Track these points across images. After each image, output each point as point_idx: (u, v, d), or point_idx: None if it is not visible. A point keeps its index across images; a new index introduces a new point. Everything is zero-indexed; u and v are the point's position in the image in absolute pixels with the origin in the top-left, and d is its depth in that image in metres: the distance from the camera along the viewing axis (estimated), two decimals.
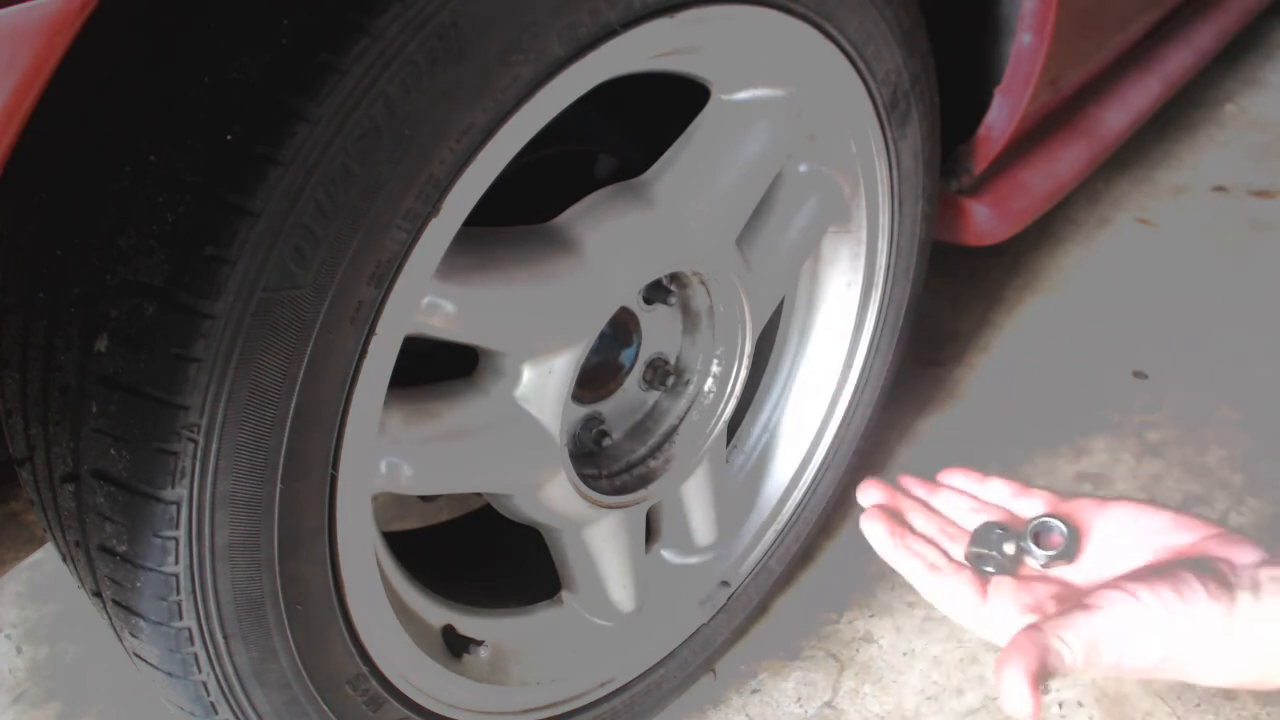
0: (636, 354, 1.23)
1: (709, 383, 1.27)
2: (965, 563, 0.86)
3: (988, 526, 0.86)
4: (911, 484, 0.94)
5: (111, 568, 0.86)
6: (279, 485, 0.86)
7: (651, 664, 1.37)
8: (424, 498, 1.33)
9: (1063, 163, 1.70)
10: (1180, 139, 2.48)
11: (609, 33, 0.92)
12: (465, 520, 1.44)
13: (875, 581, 1.58)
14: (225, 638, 0.89)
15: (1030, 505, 0.89)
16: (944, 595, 0.84)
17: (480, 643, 1.18)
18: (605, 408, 1.23)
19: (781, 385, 1.46)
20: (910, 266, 1.43)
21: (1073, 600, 0.76)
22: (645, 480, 1.24)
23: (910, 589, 1.46)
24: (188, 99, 0.79)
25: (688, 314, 1.25)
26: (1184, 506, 1.62)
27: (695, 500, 1.35)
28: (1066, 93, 1.61)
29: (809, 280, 1.41)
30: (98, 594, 0.91)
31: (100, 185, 0.81)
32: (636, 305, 1.19)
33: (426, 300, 0.95)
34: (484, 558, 1.39)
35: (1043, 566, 0.84)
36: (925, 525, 0.90)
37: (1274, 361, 1.87)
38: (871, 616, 1.54)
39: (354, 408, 0.89)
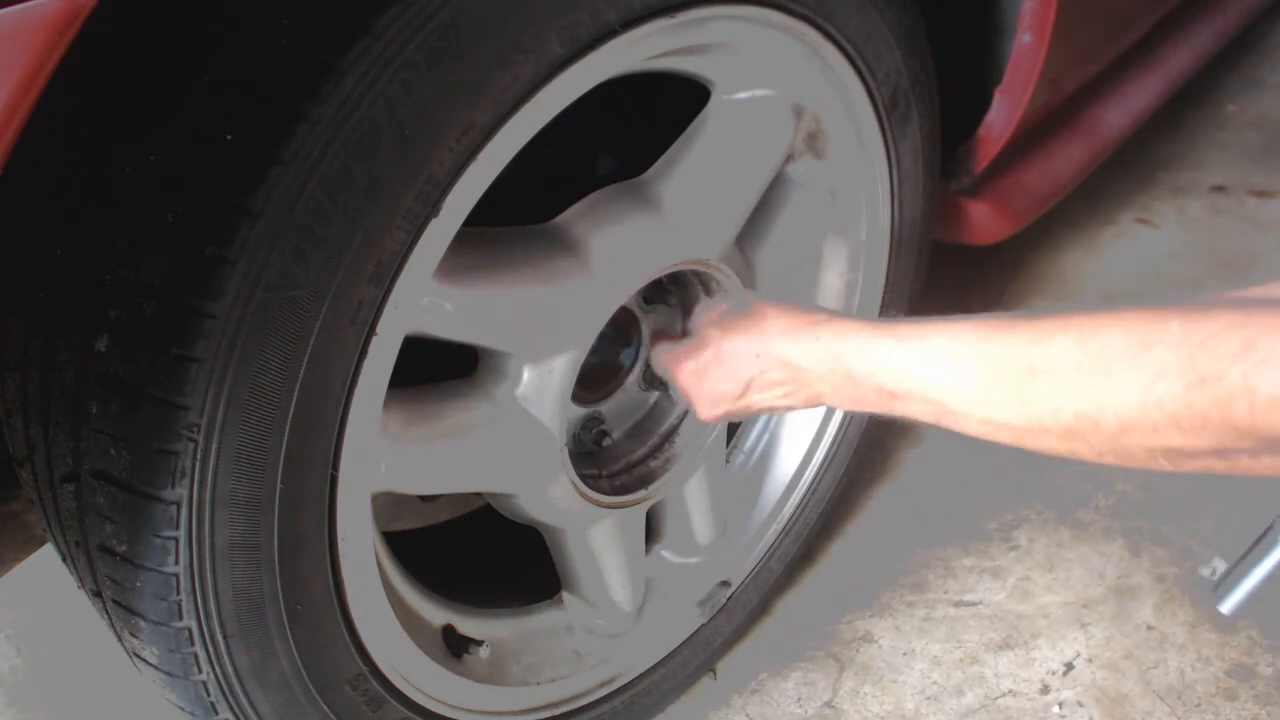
0: (636, 354, 1.23)
1: None
2: None
3: None
4: None
5: (111, 568, 0.86)
6: (279, 485, 0.86)
7: (651, 664, 1.37)
8: (424, 498, 1.33)
9: (1063, 163, 1.70)
10: (1180, 139, 2.48)
11: (609, 33, 0.92)
12: (465, 520, 1.44)
13: (875, 581, 1.58)
14: (225, 638, 0.89)
15: None
16: None
17: (480, 643, 1.18)
18: (605, 408, 1.23)
19: None
20: (910, 266, 1.43)
21: None
22: (645, 480, 1.24)
23: (910, 589, 1.46)
24: (188, 99, 0.79)
25: (688, 314, 1.25)
26: (1185, 508, 1.62)
27: (695, 500, 1.35)
28: (1066, 93, 1.61)
29: (809, 280, 1.41)
30: (98, 594, 0.91)
31: (100, 185, 0.81)
32: (636, 305, 1.19)
33: (426, 300, 0.95)
34: (484, 558, 1.39)
35: None
36: None
37: None
38: (871, 616, 1.54)
39: (354, 408, 0.89)
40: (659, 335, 1.19)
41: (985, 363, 0.81)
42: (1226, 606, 1.10)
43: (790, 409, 1.06)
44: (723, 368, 1.05)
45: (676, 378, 1.12)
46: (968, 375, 0.82)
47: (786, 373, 1.01)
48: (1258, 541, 1.09)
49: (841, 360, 0.94)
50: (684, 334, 1.19)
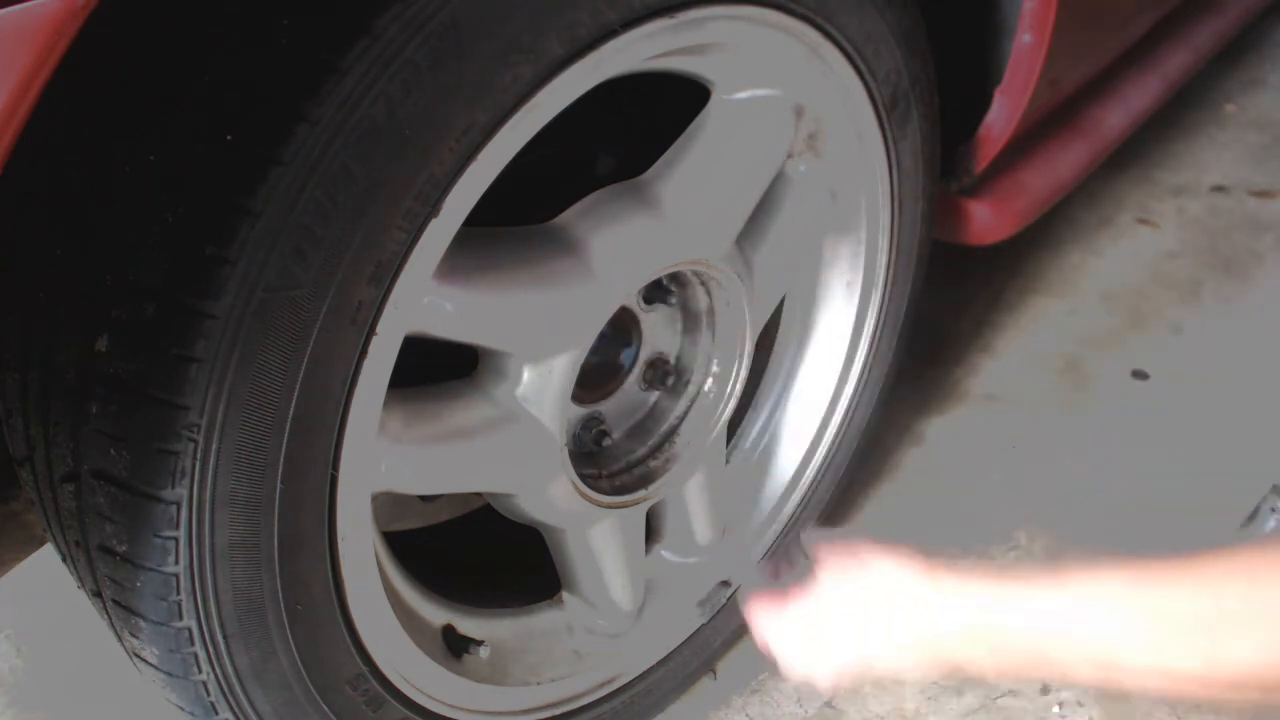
0: (636, 354, 1.23)
1: (709, 383, 1.27)
2: None
3: None
4: None
5: (111, 568, 0.86)
6: (279, 485, 0.86)
7: (651, 664, 1.37)
8: (424, 498, 1.33)
9: (1063, 163, 1.70)
10: (1180, 139, 2.48)
11: (609, 33, 0.92)
12: (465, 520, 1.44)
13: None
14: (225, 638, 0.89)
15: None
16: None
17: (480, 643, 1.18)
18: (605, 408, 1.23)
19: (781, 385, 1.46)
20: (910, 266, 1.43)
21: None
22: (645, 480, 1.24)
23: None
24: (188, 99, 0.79)
25: (687, 314, 1.25)
26: (1192, 515, 1.61)
27: (695, 500, 1.35)
28: (1066, 93, 1.61)
29: (809, 280, 1.41)
30: (98, 594, 0.91)
31: (100, 185, 0.81)
32: (636, 305, 1.19)
33: (426, 300, 0.95)
34: (484, 558, 1.39)
35: None
36: None
37: (1275, 360, 1.87)
38: None
39: (354, 408, 0.89)
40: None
41: (1152, 616, 0.76)
42: None
43: None
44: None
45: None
46: (1136, 634, 0.77)
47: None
48: (1248, 521, 1.10)
49: (986, 634, 0.83)
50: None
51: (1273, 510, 1.07)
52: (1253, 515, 1.09)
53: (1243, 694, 0.75)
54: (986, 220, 1.59)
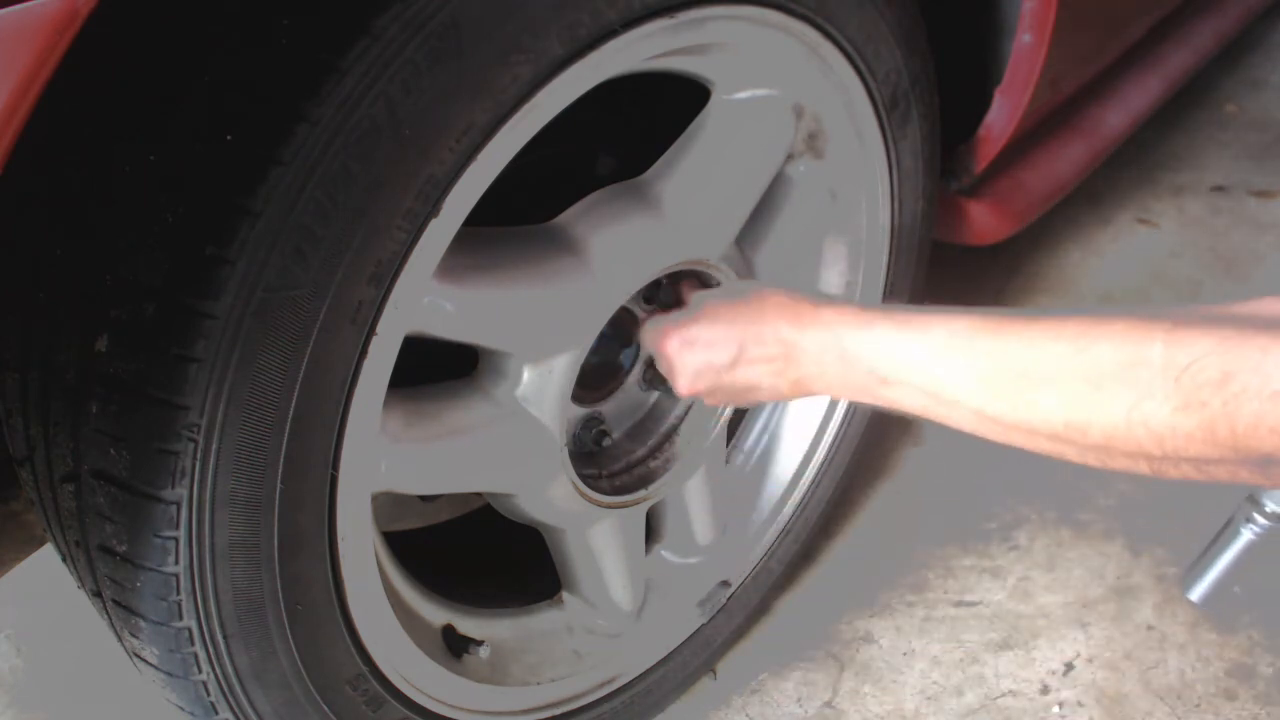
0: (636, 354, 1.23)
1: None
2: None
3: None
4: None
5: (111, 568, 0.86)
6: (279, 485, 0.86)
7: (651, 664, 1.37)
8: (424, 498, 1.33)
9: (1063, 163, 1.70)
10: (1180, 139, 2.48)
11: (609, 33, 0.92)
12: (465, 520, 1.44)
13: (875, 581, 1.58)
14: (225, 638, 0.89)
15: None
16: None
17: (480, 643, 1.18)
18: (605, 408, 1.23)
19: None
20: (910, 266, 1.43)
21: None
22: (645, 480, 1.24)
23: (910, 589, 1.46)
24: (188, 99, 0.79)
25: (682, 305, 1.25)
26: (1186, 507, 1.62)
27: (695, 501, 1.35)
28: (1066, 93, 1.61)
29: (809, 280, 1.41)
30: (98, 594, 0.91)
31: (100, 185, 0.81)
32: (636, 305, 1.19)
33: (426, 300, 0.95)
34: (484, 558, 1.39)
35: None
36: None
37: None
38: (871, 616, 1.54)
39: (354, 408, 0.89)
40: (651, 312, 1.16)
41: (983, 359, 0.83)
42: (1195, 594, 1.12)
43: (774, 391, 1.04)
44: (714, 335, 1.04)
45: (664, 347, 1.09)
46: (965, 369, 0.84)
47: (780, 348, 1.00)
48: (1221, 531, 1.11)
49: (839, 340, 0.94)
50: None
51: (1247, 520, 1.09)
52: (1227, 523, 1.11)
53: (1033, 441, 0.82)
54: (986, 220, 1.59)
